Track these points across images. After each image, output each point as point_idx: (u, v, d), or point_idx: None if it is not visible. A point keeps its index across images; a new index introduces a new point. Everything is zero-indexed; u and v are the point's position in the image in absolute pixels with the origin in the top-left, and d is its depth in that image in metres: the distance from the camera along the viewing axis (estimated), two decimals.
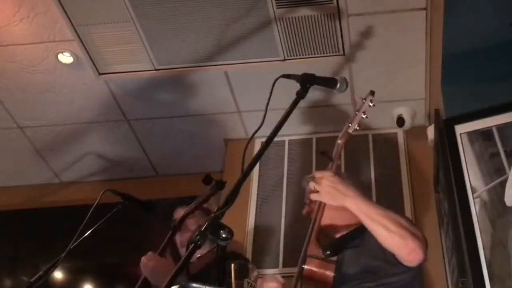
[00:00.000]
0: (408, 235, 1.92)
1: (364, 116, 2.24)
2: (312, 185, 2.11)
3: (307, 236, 2.15)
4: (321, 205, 2.15)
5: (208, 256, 2.69)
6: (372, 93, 2.30)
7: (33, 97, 3.99)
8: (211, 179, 2.68)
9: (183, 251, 2.93)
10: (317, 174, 2.09)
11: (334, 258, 2.12)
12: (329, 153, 2.23)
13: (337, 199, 2.04)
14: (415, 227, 2.00)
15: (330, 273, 2.06)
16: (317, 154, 4.19)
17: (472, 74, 3.06)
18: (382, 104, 3.84)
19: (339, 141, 2.19)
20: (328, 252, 2.10)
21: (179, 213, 2.99)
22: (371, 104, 2.27)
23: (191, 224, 2.93)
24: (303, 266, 2.06)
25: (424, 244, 1.95)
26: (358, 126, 2.23)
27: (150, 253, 2.68)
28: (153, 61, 3.68)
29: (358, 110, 2.25)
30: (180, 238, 2.95)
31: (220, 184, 2.68)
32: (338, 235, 2.22)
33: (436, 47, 3.34)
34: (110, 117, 4.17)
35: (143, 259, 2.66)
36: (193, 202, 2.72)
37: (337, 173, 2.11)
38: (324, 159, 2.25)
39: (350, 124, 2.22)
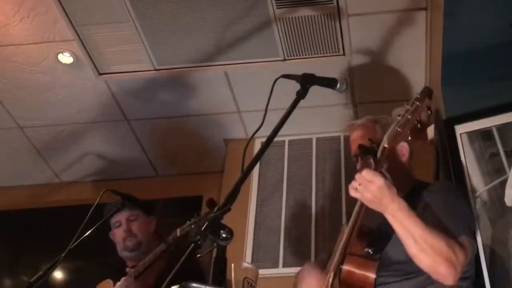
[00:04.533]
0: (441, 261, 1.81)
1: (419, 124, 1.90)
2: (355, 184, 1.85)
3: (348, 229, 1.94)
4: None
5: (159, 262, 2.70)
6: (429, 93, 1.92)
7: (33, 97, 3.98)
8: (214, 203, 2.65)
9: (124, 254, 2.95)
10: (366, 175, 1.82)
11: (378, 255, 1.94)
12: (372, 150, 1.96)
13: (377, 207, 1.85)
14: (455, 249, 1.84)
15: (371, 275, 1.89)
16: (317, 154, 4.18)
17: (472, 74, 3.05)
18: (382, 104, 3.84)
19: (385, 145, 1.90)
20: (371, 251, 1.93)
21: (122, 216, 2.99)
22: (429, 111, 1.91)
23: (135, 226, 2.95)
24: (341, 266, 1.90)
25: (459, 269, 1.84)
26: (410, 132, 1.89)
27: (125, 278, 2.67)
28: (153, 61, 3.68)
29: (411, 114, 1.89)
30: (116, 233, 2.96)
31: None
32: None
33: (436, 47, 3.34)
34: (110, 117, 4.17)
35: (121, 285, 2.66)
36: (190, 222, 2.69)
37: (386, 179, 1.85)
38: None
39: (399, 129, 1.88)
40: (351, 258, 1.90)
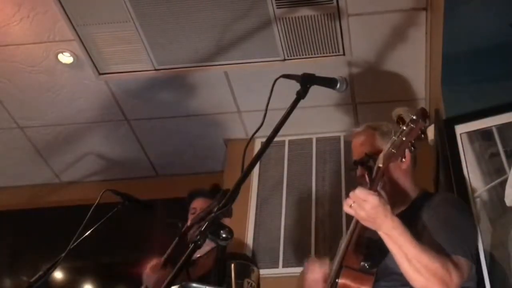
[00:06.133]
0: (435, 281, 1.79)
1: (412, 147, 1.88)
2: (350, 202, 1.83)
3: (346, 242, 1.95)
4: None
5: (210, 258, 2.70)
6: (424, 116, 1.89)
7: (33, 97, 3.99)
8: (219, 189, 2.67)
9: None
10: (360, 194, 1.82)
11: (374, 269, 1.91)
12: (368, 166, 1.99)
13: (371, 226, 1.85)
14: (449, 269, 1.81)
15: None
16: (317, 154, 4.18)
17: (472, 74, 3.05)
18: (382, 104, 3.84)
19: (380, 165, 1.91)
20: (367, 265, 1.91)
21: (198, 203, 3.00)
22: (422, 134, 1.88)
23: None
24: (336, 280, 1.89)
25: None
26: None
27: (154, 262, 2.67)
28: (153, 61, 3.68)
29: (406, 136, 1.88)
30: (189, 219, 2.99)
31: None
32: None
33: (436, 47, 3.34)
34: (110, 117, 4.17)
35: (147, 270, 2.67)
36: (201, 214, 2.72)
37: (381, 197, 1.83)
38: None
39: (394, 150, 1.87)
40: (347, 271, 1.89)
